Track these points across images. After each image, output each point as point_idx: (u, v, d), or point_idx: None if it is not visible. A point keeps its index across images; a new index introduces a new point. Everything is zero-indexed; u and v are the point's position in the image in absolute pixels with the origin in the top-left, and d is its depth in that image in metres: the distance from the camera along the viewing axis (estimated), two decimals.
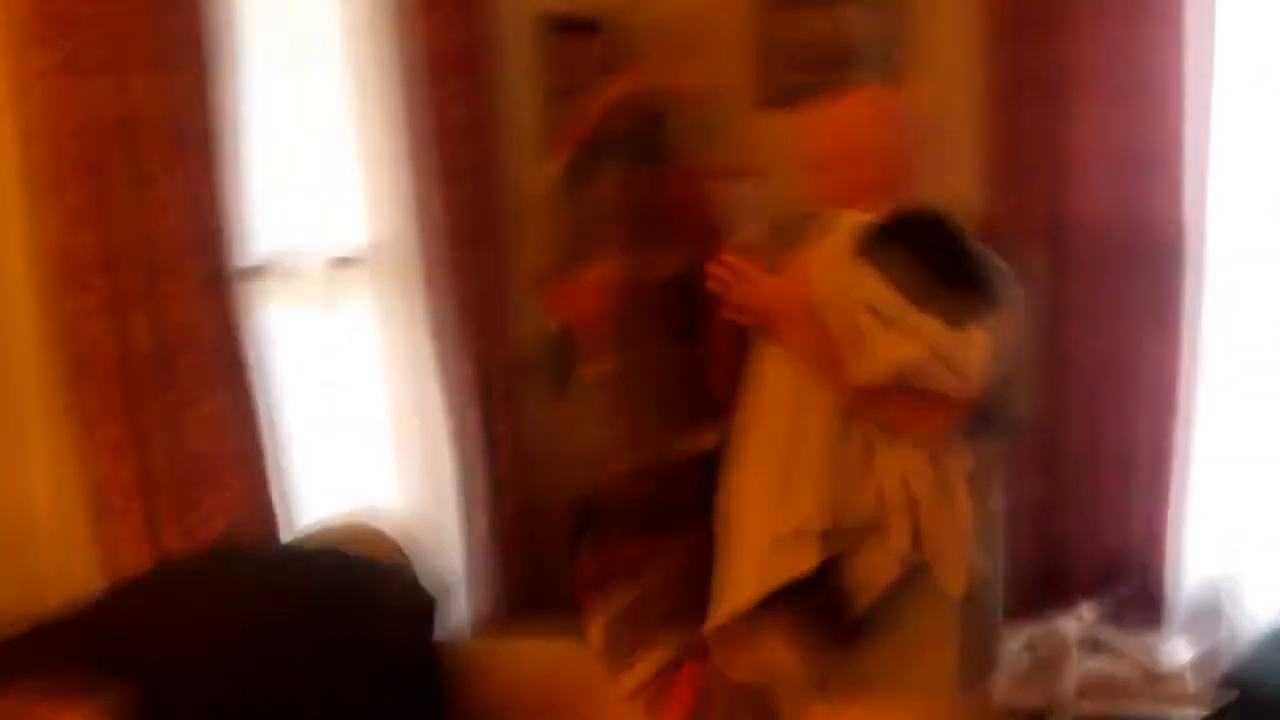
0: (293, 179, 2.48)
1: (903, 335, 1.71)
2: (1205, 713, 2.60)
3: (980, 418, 1.77)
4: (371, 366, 2.72)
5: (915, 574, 1.78)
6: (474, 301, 2.79)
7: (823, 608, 1.78)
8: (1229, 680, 2.71)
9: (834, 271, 1.78)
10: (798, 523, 1.74)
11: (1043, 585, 2.96)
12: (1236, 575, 2.98)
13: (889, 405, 1.74)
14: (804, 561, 1.74)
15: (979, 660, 1.90)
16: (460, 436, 2.79)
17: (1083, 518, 3.04)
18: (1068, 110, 2.97)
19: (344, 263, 2.63)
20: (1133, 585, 3.02)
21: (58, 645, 1.82)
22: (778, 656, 1.83)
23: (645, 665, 2.15)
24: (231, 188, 2.26)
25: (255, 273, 2.42)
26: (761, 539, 1.78)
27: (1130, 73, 2.88)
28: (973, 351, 1.72)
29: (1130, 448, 2.98)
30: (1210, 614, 3.00)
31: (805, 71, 3.47)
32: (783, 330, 1.82)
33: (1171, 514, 2.97)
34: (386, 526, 2.57)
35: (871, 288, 1.75)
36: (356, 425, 2.69)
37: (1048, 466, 2.98)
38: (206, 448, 2.19)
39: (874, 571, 1.76)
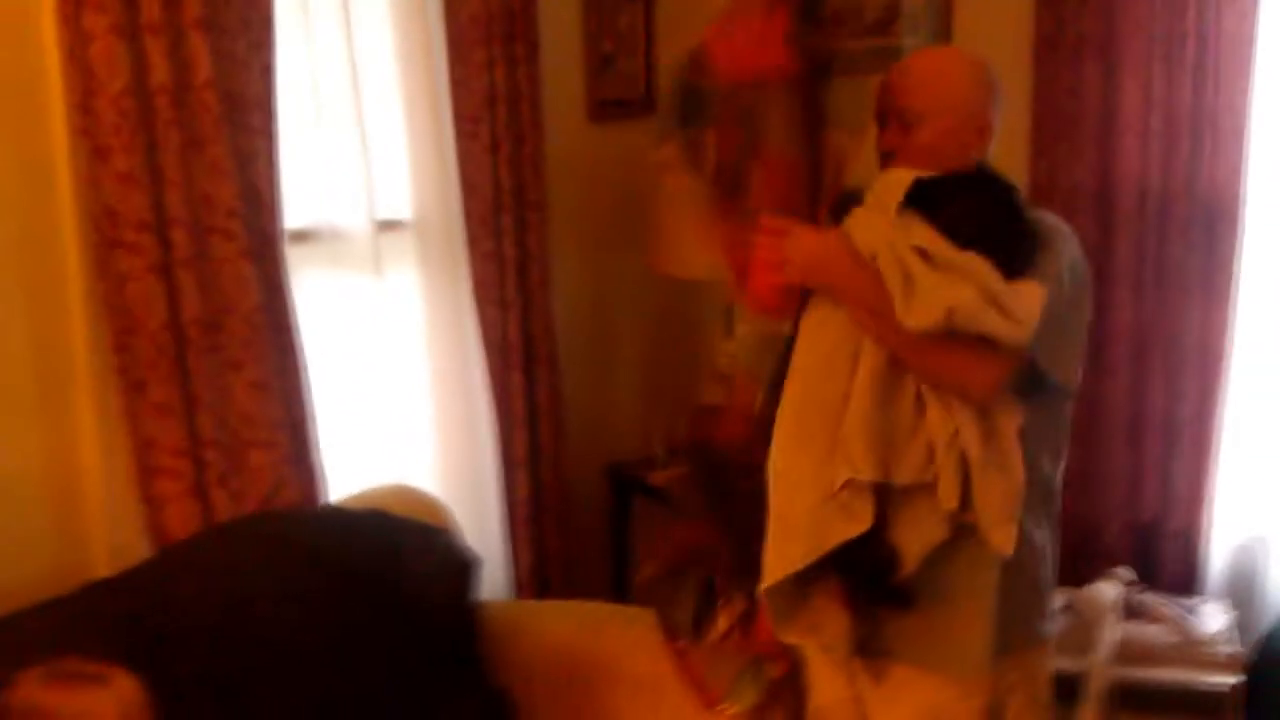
0: (339, 143, 2.48)
1: (954, 278, 1.69)
2: (1241, 678, 2.59)
3: (1031, 376, 1.75)
4: (415, 331, 2.73)
5: (961, 536, 1.76)
6: (516, 267, 2.79)
7: (872, 569, 1.77)
8: (1264, 646, 2.70)
9: (882, 220, 1.76)
10: (849, 473, 1.71)
11: (1081, 550, 2.95)
12: (1272, 542, 2.96)
13: (939, 355, 1.71)
14: (858, 520, 1.72)
15: (1023, 627, 1.88)
16: (502, 402, 2.80)
17: (1122, 483, 3.03)
18: (1116, 73, 2.93)
19: (389, 227, 2.63)
20: (1170, 551, 3.00)
21: (98, 616, 1.84)
22: (828, 620, 1.82)
23: (724, 616, 2.15)
24: (279, 151, 2.27)
25: (301, 237, 2.43)
26: (811, 498, 1.75)
27: (1180, 35, 2.84)
28: (1024, 298, 1.69)
29: (1171, 414, 2.97)
30: (1246, 580, 2.99)
31: (849, 36, 3.44)
32: (829, 279, 1.79)
33: (1210, 480, 2.96)
34: (427, 491, 2.60)
35: (920, 234, 1.73)
36: (399, 390, 2.70)
37: (1089, 431, 2.96)
38: (253, 410, 2.22)
39: (922, 532, 1.74)
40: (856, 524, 1.72)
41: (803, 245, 1.80)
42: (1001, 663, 1.83)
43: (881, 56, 3.23)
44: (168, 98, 2.07)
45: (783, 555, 1.78)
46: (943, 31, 3.26)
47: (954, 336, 1.69)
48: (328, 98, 2.45)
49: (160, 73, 2.06)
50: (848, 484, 1.72)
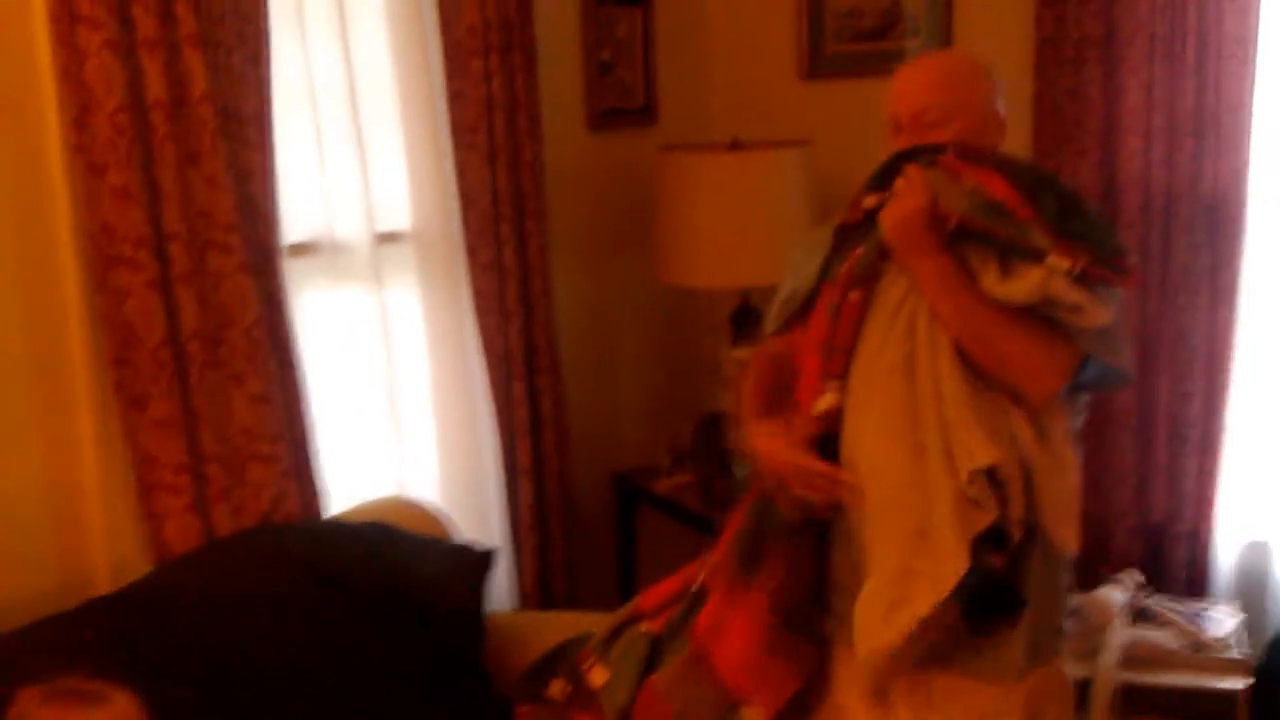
0: (337, 156, 2.48)
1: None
2: (1250, 681, 2.57)
3: (1089, 369, 1.73)
4: (416, 342, 2.72)
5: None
6: (517, 277, 2.78)
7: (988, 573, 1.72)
8: (1273, 649, 2.68)
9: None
10: (971, 464, 1.66)
11: (1089, 553, 2.92)
12: None
13: (1014, 338, 1.69)
14: (988, 509, 1.66)
15: (1052, 633, 1.86)
16: (504, 412, 2.80)
17: (1130, 484, 3.01)
18: (1117, 74, 2.92)
19: (388, 239, 2.63)
20: (1179, 553, 2.98)
21: (98, 634, 1.83)
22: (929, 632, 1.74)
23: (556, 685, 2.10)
24: (277, 164, 2.27)
25: (301, 250, 2.43)
26: (949, 501, 1.68)
27: (1181, 35, 2.83)
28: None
29: (1179, 414, 2.95)
30: (1255, 582, 2.96)
31: (851, 41, 3.43)
32: (918, 245, 1.73)
33: (1218, 481, 2.94)
34: (429, 502, 2.60)
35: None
36: (401, 401, 2.69)
37: (1097, 433, 2.94)
38: (253, 424, 2.21)
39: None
40: (988, 513, 1.68)
41: (906, 206, 1.75)
42: (1037, 669, 1.81)
43: (881, 60, 3.23)
44: (164, 113, 2.07)
45: (947, 566, 1.69)
46: (943, 35, 3.25)
47: (1029, 319, 1.67)
48: (325, 110, 2.45)
49: (156, 88, 2.06)
50: (971, 475, 1.67)
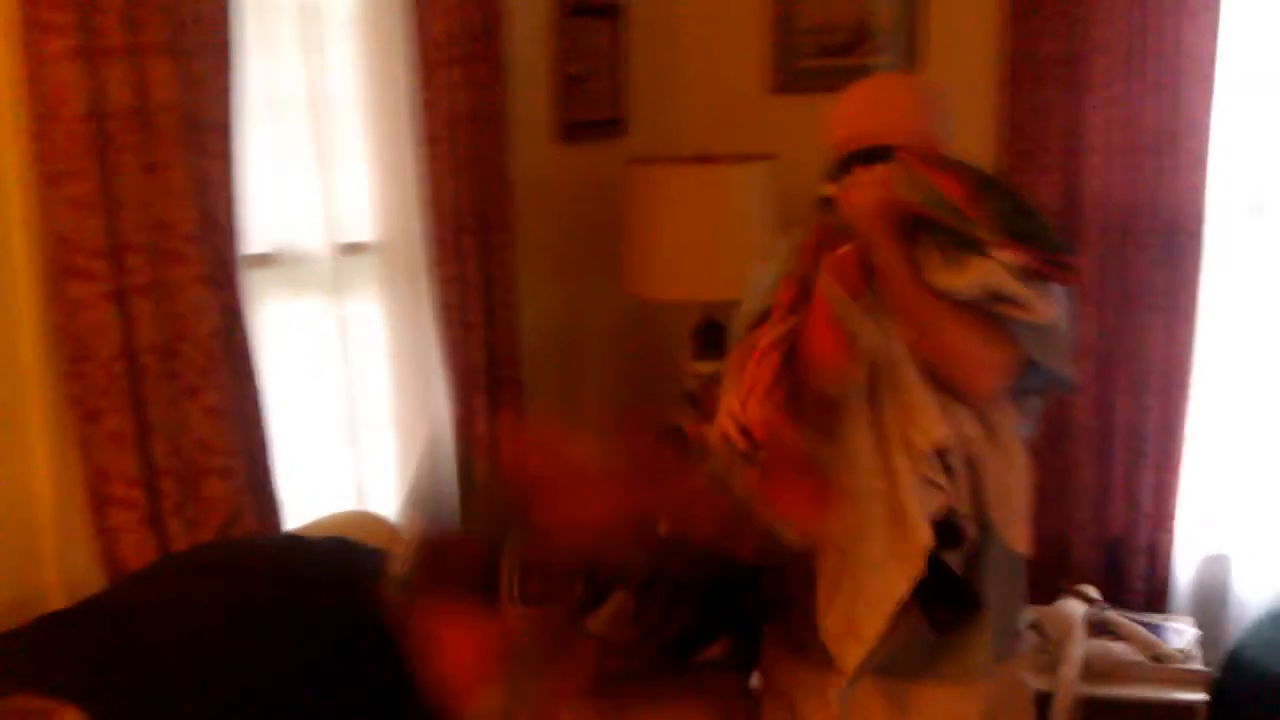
0: (300, 165, 2.46)
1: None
2: (1207, 694, 2.59)
3: (1031, 373, 1.75)
4: (377, 355, 2.70)
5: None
6: (480, 289, 2.77)
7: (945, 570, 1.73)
8: (1229, 662, 2.71)
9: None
10: (930, 444, 1.69)
11: (1048, 566, 2.95)
12: (1239, 556, 2.97)
13: (958, 331, 1.70)
14: (943, 490, 1.70)
15: (1010, 636, 1.88)
16: (466, 426, 2.78)
17: (1089, 498, 3.04)
18: (1080, 92, 2.96)
19: (351, 250, 2.61)
20: (1137, 567, 3.01)
21: (49, 651, 1.80)
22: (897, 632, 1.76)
23: None
24: (239, 175, 2.24)
25: (261, 261, 2.41)
26: (911, 484, 1.70)
27: (1142, 54, 2.87)
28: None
29: (1138, 428, 2.99)
30: (1214, 595, 3.00)
31: (819, 56, 3.45)
32: (880, 231, 1.75)
33: (1176, 496, 2.98)
34: (389, 517, 2.57)
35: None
36: (362, 414, 2.67)
37: (1055, 446, 2.97)
38: (210, 437, 2.18)
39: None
40: (942, 494, 1.72)
41: (870, 195, 1.76)
42: (996, 673, 1.83)
43: (850, 76, 3.24)
44: (125, 121, 2.04)
45: (915, 543, 1.71)
46: (911, 52, 3.28)
47: (974, 315, 1.69)
48: (289, 120, 2.43)
49: (118, 96, 2.02)
50: (926, 454, 1.71)
